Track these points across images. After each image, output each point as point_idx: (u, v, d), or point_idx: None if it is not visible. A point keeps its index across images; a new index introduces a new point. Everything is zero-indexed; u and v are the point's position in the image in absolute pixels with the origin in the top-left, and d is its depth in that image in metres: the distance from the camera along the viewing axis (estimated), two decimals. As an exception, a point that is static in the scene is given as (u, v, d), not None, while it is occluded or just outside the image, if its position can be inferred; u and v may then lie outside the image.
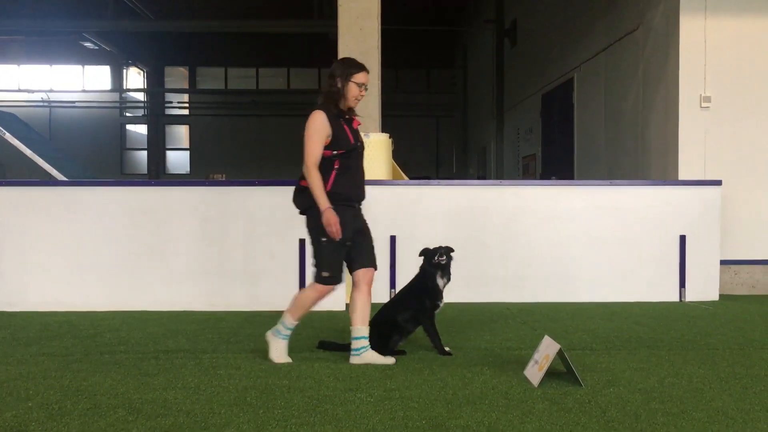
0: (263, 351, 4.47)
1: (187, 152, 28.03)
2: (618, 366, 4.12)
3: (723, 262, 7.25)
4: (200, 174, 24.77)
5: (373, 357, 4.16)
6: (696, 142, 7.59)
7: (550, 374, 3.70)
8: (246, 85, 27.86)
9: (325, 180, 4.08)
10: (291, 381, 3.76)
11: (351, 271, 4.25)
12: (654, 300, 6.91)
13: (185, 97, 28.61)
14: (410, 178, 7.55)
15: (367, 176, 6.86)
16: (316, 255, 4.14)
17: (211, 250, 6.41)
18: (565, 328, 5.43)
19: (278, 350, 4.23)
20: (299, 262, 6.36)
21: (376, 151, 6.93)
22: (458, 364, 4.15)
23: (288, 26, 19.54)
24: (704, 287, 6.98)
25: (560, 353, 3.69)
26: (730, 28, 7.58)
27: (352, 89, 4.21)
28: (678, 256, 6.96)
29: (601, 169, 10.05)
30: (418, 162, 25.13)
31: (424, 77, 27.98)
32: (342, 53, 7.12)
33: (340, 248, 4.11)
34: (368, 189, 6.80)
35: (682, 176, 7.53)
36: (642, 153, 8.65)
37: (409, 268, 6.83)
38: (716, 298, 6.98)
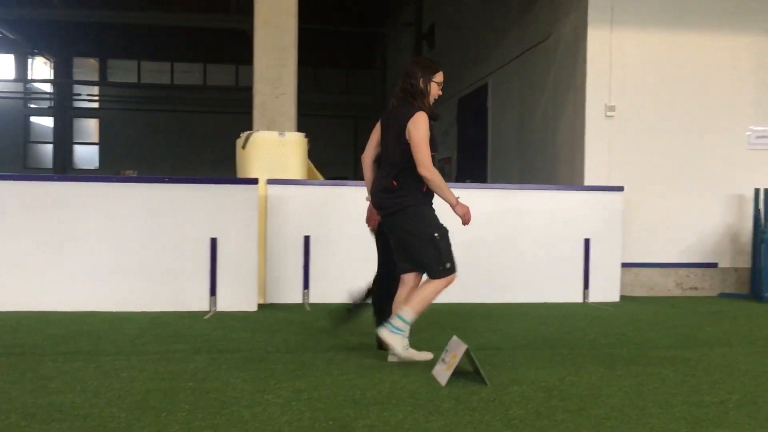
0: (170, 352, 4.35)
1: (97, 147, 27.01)
2: (523, 365, 4.23)
3: (624, 265, 7.57)
4: (110, 170, 23.92)
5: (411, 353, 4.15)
6: (601, 150, 7.90)
7: (458, 373, 3.76)
8: (160, 79, 27.09)
9: (422, 182, 4.09)
10: (197, 383, 3.68)
11: (398, 273, 4.26)
12: (560, 301, 7.14)
13: (95, 90, 27.56)
14: (327, 179, 7.53)
15: (282, 175, 6.86)
16: (433, 253, 4.08)
17: (117, 248, 6.19)
18: (475, 328, 5.54)
19: (402, 345, 4.11)
20: (210, 261, 6.23)
21: (292, 150, 6.88)
22: (368, 365, 4.16)
23: (203, 20, 19.15)
24: (606, 289, 7.28)
25: (467, 353, 3.76)
26: (634, 41, 7.93)
27: (434, 89, 4.24)
28: (583, 259, 7.23)
29: (514, 173, 10.32)
30: (337, 162, 25.10)
31: (344, 77, 27.99)
32: (258, 50, 7.04)
33: (448, 238, 4.14)
34: (282, 188, 6.82)
35: (587, 182, 7.82)
36: (551, 158, 8.93)
37: (323, 269, 6.83)
38: (617, 299, 7.28)
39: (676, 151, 8.01)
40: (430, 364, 4.08)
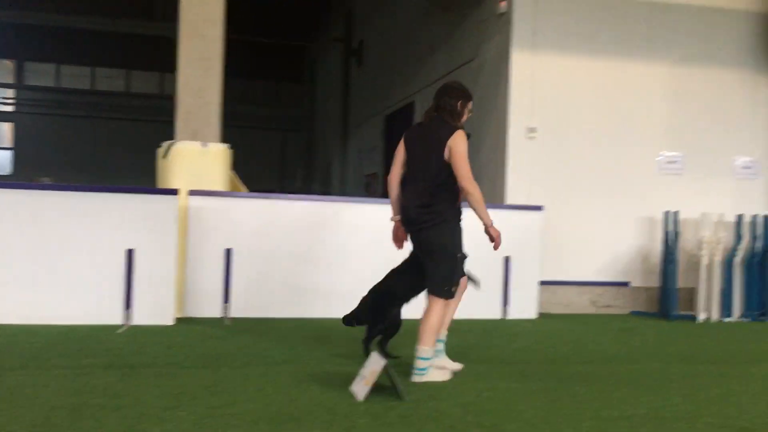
0: (79, 367, 4.19)
1: (10, 152, 25.85)
2: (441, 381, 4.27)
3: (542, 283, 7.76)
4: (24, 176, 22.91)
5: (436, 375, 4.29)
6: (522, 170, 8.10)
7: (377, 389, 3.76)
8: (80, 84, 26.21)
9: (455, 197, 4.27)
10: (106, 399, 3.54)
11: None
12: (480, 317, 7.25)
13: (9, 93, 26.40)
14: (254, 191, 7.44)
15: (204, 187, 6.74)
16: (447, 271, 4.23)
17: (27, 257, 5.92)
18: (395, 344, 5.55)
19: (439, 374, 4.27)
20: (125, 273, 6.04)
21: (214, 161, 6.78)
22: (286, 381, 4.11)
23: (127, 26, 18.68)
24: (525, 306, 7.44)
25: (386, 369, 3.77)
26: (555, 65, 8.20)
27: (466, 114, 4.43)
28: (502, 276, 7.37)
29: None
30: (263, 175, 24.82)
31: (273, 90, 27.79)
32: (183, 59, 6.91)
33: (464, 263, 4.40)
34: (204, 200, 6.70)
35: (508, 201, 8.01)
36: (475, 177, 9.07)
37: (245, 283, 6.73)
38: (535, 316, 7.46)
39: (592, 173, 8.30)
40: (348, 381, 4.06)
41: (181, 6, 6.86)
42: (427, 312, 4.27)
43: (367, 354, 4.43)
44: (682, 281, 8.11)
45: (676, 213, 8.04)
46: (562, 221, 8.14)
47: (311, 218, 7.00)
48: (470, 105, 4.44)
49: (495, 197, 8.29)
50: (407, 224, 4.38)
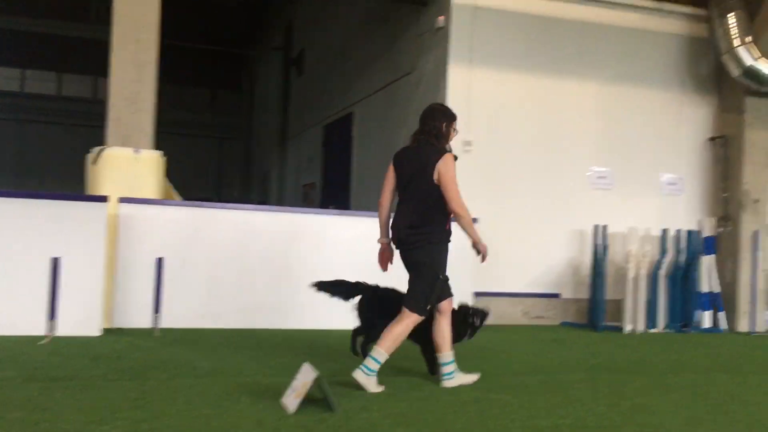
0: (-4, 381, 4.02)
1: (-72, 155, 24.68)
2: (375, 392, 4.27)
3: (476, 294, 7.85)
4: (-57, 180, 21.90)
5: (463, 378, 4.53)
6: (459, 182, 8.18)
7: (308, 401, 3.73)
8: (9, 86, 25.26)
9: (445, 218, 4.40)
10: (26, 413, 3.41)
11: (438, 302, 4.44)
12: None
13: (-70, 93, 25.24)
14: (189, 200, 7.31)
15: (136, 194, 6.58)
16: (427, 289, 4.33)
17: (-56, 266, 5.66)
18: (329, 355, 5.53)
19: (373, 384, 4.28)
20: (50, 282, 5.83)
21: (147, 168, 6.63)
22: (216, 393, 4.04)
23: (59, 27, 18.11)
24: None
25: (318, 380, 3.75)
26: (491, 80, 8.36)
27: (452, 134, 4.59)
28: (437, 287, 7.43)
29: (375, 201, 10.45)
30: (200, 184, 24.40)
31: (210, 98, 27.38)
32: (117, 64, 6.75)
33: (445, 284, 4.45)
34: (136, 208, 6.54)
35: (444, 213, 8.08)
36: (411, 189, 9.16)
37: (177, 293, 6.59)
38: (469, 326, 7.53)
39: (526, 187, 8.48)
40: (280, 393, 4.01)
41: (115, 9, 6.71)
42: (397, 321, 4.36)
43: (364, 355, 4.58)
44: (610, 293, 8.34)
45: (604, 227, 8.28)
46: (496, 233, 8.23)
47: (246, 227, 6.93)
48: (455, 125, 4.58)
49: (431, 209, 8.36)
50: (398, 244, 4.50)
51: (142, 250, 6.52)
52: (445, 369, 4.49)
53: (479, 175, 8.28)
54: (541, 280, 8.53)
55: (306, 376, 3.82)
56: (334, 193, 12.86)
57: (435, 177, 4.32)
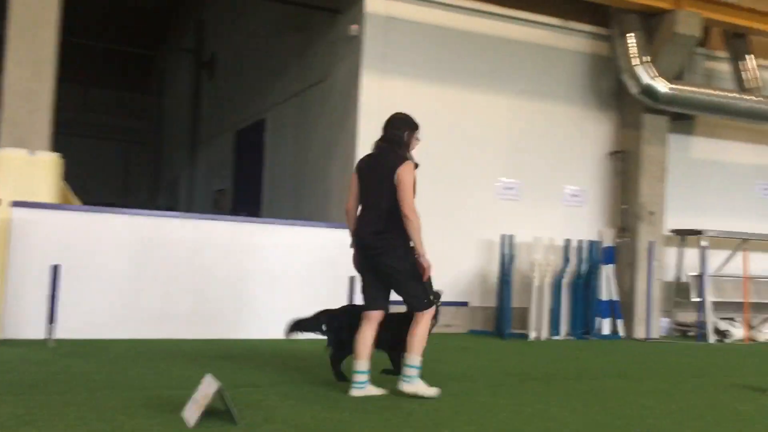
0: None
1: None
2: (278, 403, 4.20)
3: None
4: None
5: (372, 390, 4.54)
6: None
7: (211, 413, 3.62)
8: None
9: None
10: None
11: (369, 309, 4.61)
12: (324, 337, 7.22)
13: None
14: (92, 204, 7.00)
15: (30, 198, 6.25)
16: (415, 288, 4.55)
17: None
18: (235, 366, 5.41)
19: (425, 388, 4.52)
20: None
21: (43, 171, 6.32)
22: (112, 407, 3.86)
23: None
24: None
25: (220, 391, 3.65)
26: (404, 90, 8.42)
27: (414, 143, 4.71)
28: (348, 295, 7.40)
29: (288, 209, 10.38)
30: (104, 188, 23.50)
31: (116, 99, 26.44)
32: (10, 61, 6.40)
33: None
34: (30, 212, 6.22)
35: (355, 221, 8.07)
36: (323, 197, 9.13)
37: (75, 302, 6.28)
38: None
39: (436, 196, 8.55)
40: (181, 405, 3.88)
41: (11, 3, 6.37)
42: (413, 326, 4.57)
43: (341, 378, 4.79)
44: (516, 301, 8.54)
45: (511, 236, 8.48)
46: (406, 242, 8.32)
47: (151, 234, 6.70)
48: (417, 134, 4.72)
49: (343, 217, 8.33)
50: (363, 249, 4.62)
51: (36, 256, 6.20)
52: (408, 371, 4.54)
53: (390, 184, 8.32)
54: (449, 289, 8.57)
55: (208, 387, 3.71)
56: (245, 200, 12.65)
57: (396, 183, 4.46)
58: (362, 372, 4.53)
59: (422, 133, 8.43)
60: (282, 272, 7.18)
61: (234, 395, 3.82)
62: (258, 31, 12.59)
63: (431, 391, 4.54)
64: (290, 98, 10.64)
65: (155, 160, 23.15)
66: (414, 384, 4.51)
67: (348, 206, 4.76)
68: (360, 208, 4.69)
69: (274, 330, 7.00)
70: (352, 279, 7.41)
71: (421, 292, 4.59)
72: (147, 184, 24.39)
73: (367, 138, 8.19)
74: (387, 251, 4.50)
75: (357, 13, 8.42)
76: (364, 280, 4.71)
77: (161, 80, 23.12)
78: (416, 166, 4.59)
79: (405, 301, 4.63)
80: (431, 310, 4.65)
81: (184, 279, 6.78)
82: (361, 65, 8.23)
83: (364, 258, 4.64)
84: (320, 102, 9.45)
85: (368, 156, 4.76)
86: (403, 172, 4.47)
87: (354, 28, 8.37)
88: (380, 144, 4.68)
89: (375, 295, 4.63)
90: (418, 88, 8.51)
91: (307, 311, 7.14)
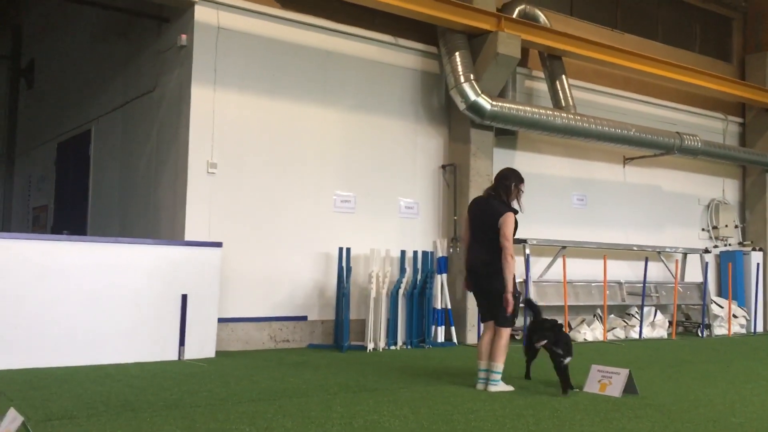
0: None
1: None
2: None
3: (221, 320, 7.66)
4: None
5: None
6: (202, 205, 7.97)
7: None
8: None
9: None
10: None
11: (485, 320, 5.95)
12: (154, 360, 6.89)
13: None
14: None
15: None
16: (505, 312, 5.66)
17: None
18: (48, 396, 4.99)
19: (503, 386, 5.72)
20: None
21: None
22: None
23: None
24: (202, 345, 7.26)
25: (24, 426, 3.34)
26: (236, 103, 8.27)
27: (518, 193, 5.90)
28: (179, 315, 7.12)
29: (115, 226, 9.82)
30: None
31: None
32: None
33: (518, 300, 5.93)
34: None
35: (188, 237, 7.80)
36: (153, 212, 8.73)
37: None
38: (213, 354, 7.31)
39: (272, 210, 8.47)
40: (-23, 444, 3.51)
41: None
42: (497, 338, 5.71)
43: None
44: (354, 313, 8.62)
45: (348, 249, 8.54)
46: (241, 257, 8.15)
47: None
48: (522, 186, 5.91)
49: (175, 234, 8.03)
50: (472, 273, 5.89)
51: None
52: (495, 377, 5.73)
53: (225, 198, 8.13)
54: (287, 304, 8.55)
55: (10, 422, 3.39)
56: (68, 217, 11.82)
57: (499, 226, 5.64)
58: (483, 370, 5.79)
59: (256, 146, 8.34)
60: (106, 293, 6.76)
61: (44, 429, 3.51)
62: (80, 37, 11.85)
63: (509, 387, 5.74)
64: (117, 109, 10.10)
65: (-34, 175, 21.06)
66: (500, 386, 5.68)
67: (463, 237, 6.27)
68: (470, 240, 5.91)
69: (95, 354, 6.60)
70: (184, 297, 7.13)
71: (511, 315, 5.71)
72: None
73: (199, 152, 7.98)
74: (490, 276, 5.68)
75: (186, 22, 8.17)
76: (476, 299, 6.01)
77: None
78: (516, 212, 5.75)
79: (494, 316, 5.75)
80: (509, 331, 5.79)
81: (-7, 304, 6.18)
82: (191, 77, 7.98)
83: (474, 280, 5.90)
84: (149, 113, 9.05)
85: (480, 198, 5.99)
86: (506, 221, 5.65)
87: (183, 37, 8.10)
88: (490, 191, 5.90)
89: (484, 310, 5.90)
90: (250, 100, 8.38)
91: (132, 333, 6.82)
